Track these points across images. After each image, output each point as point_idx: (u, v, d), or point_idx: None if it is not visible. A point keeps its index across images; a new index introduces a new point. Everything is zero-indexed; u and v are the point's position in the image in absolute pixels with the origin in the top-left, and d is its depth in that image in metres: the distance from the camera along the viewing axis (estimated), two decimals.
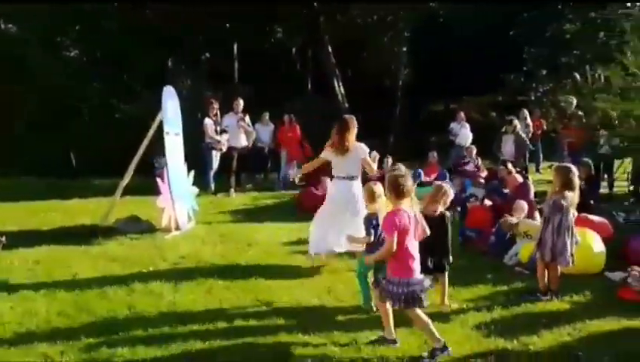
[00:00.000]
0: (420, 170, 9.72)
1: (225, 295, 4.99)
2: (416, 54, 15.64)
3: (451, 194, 4.96)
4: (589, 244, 5.84)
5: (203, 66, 14.89)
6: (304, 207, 8.74)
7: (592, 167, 8.21)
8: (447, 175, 9.62)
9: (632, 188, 9.31)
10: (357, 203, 5.34)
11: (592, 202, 7.85)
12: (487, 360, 3.87)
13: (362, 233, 4.43)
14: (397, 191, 3.69)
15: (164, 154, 7.09)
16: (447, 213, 4.86)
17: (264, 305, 4.76)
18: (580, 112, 10.19)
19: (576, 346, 4.09)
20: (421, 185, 8.60)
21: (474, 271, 5.77)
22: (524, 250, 5.95)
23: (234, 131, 9.75)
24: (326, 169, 6.23)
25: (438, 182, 5.54)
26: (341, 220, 5.41)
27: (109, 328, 4.18)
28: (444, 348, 3.76)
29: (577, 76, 12.37)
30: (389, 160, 10.30)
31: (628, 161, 10.10)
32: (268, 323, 4.41)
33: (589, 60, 14.61)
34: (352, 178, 5.51)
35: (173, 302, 4.78)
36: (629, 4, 13.90)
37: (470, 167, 9.95)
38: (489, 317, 4.61)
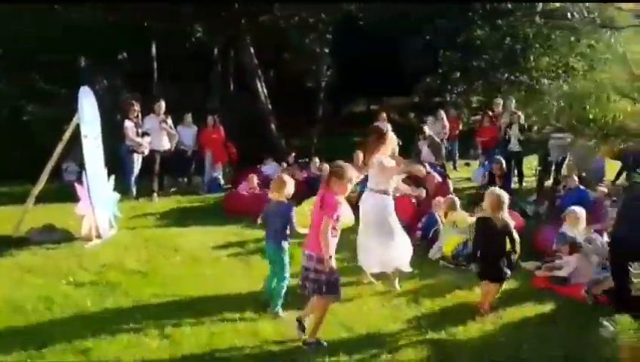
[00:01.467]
0: None
1: (153, 303, 4.83)
2: (337, 56, 15.88)
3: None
4: None
5: (120, 66, 14.23)
6: (230, 210, 8.64)
7: (504, 163, 8.77)
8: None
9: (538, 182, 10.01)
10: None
11: None
12: (419, 352, 4.04)
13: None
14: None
15: (75, 159, 6.69)
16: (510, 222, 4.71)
17: (195, 312, 4.66)
18: (490, 113, 10.82)
19: (499, 333, 4.37)
20: None
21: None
22: (447, 244, 6.25)
23: (156, 134, 9.41)
24: None
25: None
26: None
27: (30, 345, 3.91)
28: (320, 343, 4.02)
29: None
30: (316, 160, 10.42)
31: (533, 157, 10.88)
32: (200, 330, 4.32)
33: (498, 64, 15.62)
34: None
35: (99, 314, 4.55)
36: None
37: None
38: (418, 311, 4.82)
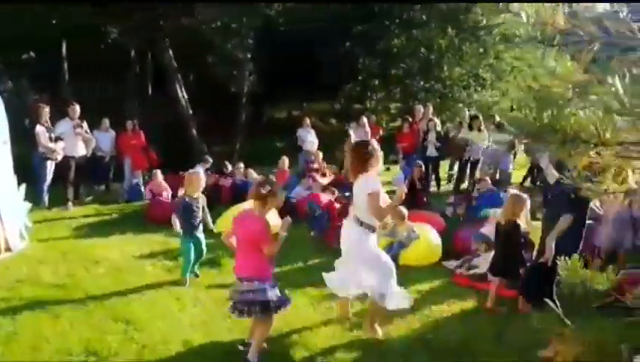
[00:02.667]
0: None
1: (76, 318, 4.57)
2: (259, 61, 15.88)
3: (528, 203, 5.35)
4: (427, 237, 6.55)
5: (26, 67, 13.29)
6: (153, 218, 8.35)
7: (423, 167, 9.18)
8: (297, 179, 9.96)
9: (454, 185, 10.57)
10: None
11: (424, 199, 8.80)
12: (351, 352, 4.14)
13: None
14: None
15: None
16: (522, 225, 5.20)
17: (123, 324, 4.47)
18: (410, 119, 11.27)
19: (427, 330, 4.57)
20: None
21: (333, 268, 6.05)
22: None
23: (70, 139, 8.88)
24: None
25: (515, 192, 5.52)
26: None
27: None
28: None
29: None
30: (241, 165, 10.33)
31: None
32: (128, 344, 4.16)
33: (414, 73, 16.34)
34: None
35: (15, 333, 4.24)
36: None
37: (318, 173, 10.40)
38: (349, 313, 4.92)
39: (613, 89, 0.91)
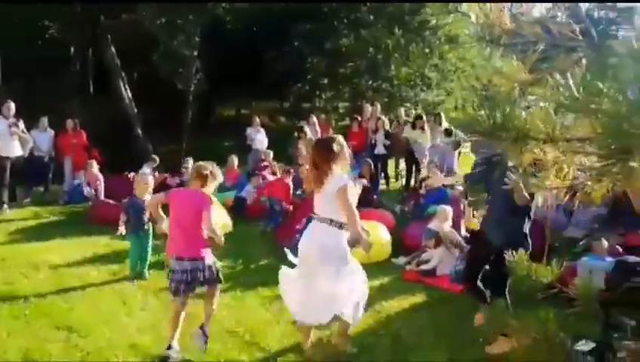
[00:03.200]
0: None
1: (14, 327, 4.34)
2: (206, 59, 15.61)
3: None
4: (378, 235, 6.62)
5: None
6: (96, 219, 8.05)
7: (372, 165, 9.30)
8: (246, 178, 9.87)
9: (403, 183, 10.77)
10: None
11: (374, 197, 8.91)
12: (305, 351, 4.13)
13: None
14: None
15: None
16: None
17: (65, 331, 4.29)
18: (359, 118, 11.39)
19: (379, 327, 4.64)
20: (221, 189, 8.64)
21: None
22: None
23: (5, 139, 8.41)
24: None
25: None
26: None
27: None
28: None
29: None
30: (189, 164, 10.12)
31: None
32: (72, 351, 4.00)
33: (362, 72, 16.54)
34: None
35: None
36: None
37: (268, 171, 10.34)
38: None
39: (560, 88, 0.95)
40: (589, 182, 1.60)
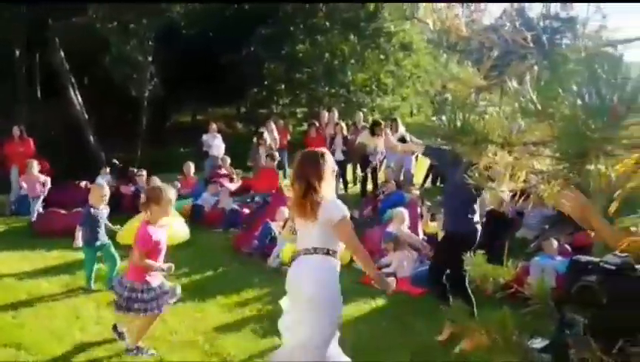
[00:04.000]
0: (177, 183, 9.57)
1: None
2: (161, 65, 15.33)
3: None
4: None
5: None
6: (44, 230, 7.74)
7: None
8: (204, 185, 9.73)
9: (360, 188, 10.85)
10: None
11: None
12: (267, 358, 4.10)
13: None
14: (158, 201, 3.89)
15: None
16: None
17: (14, 349, 4.09)
18: (317, 124, 11.42)
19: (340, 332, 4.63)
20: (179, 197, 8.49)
21: (243, 275, 5.99)
22: (285, 250, 6.44)
23: None
24: None
25: None
26: None
27: None
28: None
29: None
30: (144, 173, 9.89)
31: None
32: None
33: (319, 78, 16.64)
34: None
35: None
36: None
37: (225, 178, 10.23)
38: (262, 319, 4.88)
39: (516, 94, 0.98)
40: (542, 185, 1.66)
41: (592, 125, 0.79)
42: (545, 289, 1.99)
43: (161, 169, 11.96)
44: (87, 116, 14.74)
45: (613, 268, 1.56)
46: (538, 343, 3.15)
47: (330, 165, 3.04)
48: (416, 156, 10.99)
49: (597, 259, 1.66)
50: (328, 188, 3.02)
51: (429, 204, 8.56)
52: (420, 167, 11.17)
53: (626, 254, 1.58)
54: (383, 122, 10.70)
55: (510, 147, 1.12)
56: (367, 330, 4.64)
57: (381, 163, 10.45)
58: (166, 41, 15.15)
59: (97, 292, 5.41)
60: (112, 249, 5.60)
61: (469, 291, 4.12)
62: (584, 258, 1.72)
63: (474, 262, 1.81)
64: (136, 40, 13.97)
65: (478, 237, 4.15)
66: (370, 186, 10.48)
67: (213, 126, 11.89)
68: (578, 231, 6.37)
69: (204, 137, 11.66)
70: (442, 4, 1.32)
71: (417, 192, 8.40)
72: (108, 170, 10.34)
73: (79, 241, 5.58)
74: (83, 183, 9.94)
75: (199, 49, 15.98)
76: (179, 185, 9.38)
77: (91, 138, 14.47)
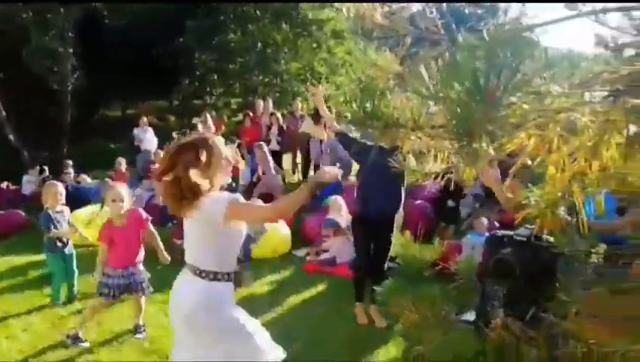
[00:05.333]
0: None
1: None
2: (85, 57, 14.61)
3: None
4: (276, 229, 6.67)
5: None
6: None
7: None
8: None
9: (301, 177, 10.87)
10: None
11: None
12: None
13: None
14: None
15: None
16: None
17: None
18: (251, 114, 11.30)
19: (281, 320, 4.67)
20: None
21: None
22: None
23: None
24: None
25: None
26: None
27: None
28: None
29: None
30: (70, 170, 9.46)
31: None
32: None
33: (252, 67, 16.45)
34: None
35: None
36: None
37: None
38: None
39: (422, 79, 1.02)
40: (461, 165, 1.75)
41: (473, 106, 0.84)
42: (471, 265, 2.10)
43: (91, 165, 11.49)
44: (4, 113, 13.87)
45: (524, 239, 1.67)
46: (467, 316, 3.32)
47: (217, 152, 2.48)
48: None
49: (511, 233, 1.77)
50: (215, 179, 2.46)
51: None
52: None
53: (533, 226, 1.68)
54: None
55: (419, 130, 1.17)
56: (307, 316, 4.69)
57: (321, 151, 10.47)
58: (91, 33, 14.46)
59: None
60: (75, 261, 5.17)
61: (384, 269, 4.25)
62: (500, 232, 1.82)
63: (401, 243, 1.87)
64: (55, 31, 13.23)
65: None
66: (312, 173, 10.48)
67: (144, 119, 11.53)
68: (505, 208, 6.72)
69: (135, 131, 11.28)
70: None
71: (354, 178, 8.50)
72: (38, 168, 9.82)
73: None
74: (4, 184, 9.39)
75: (127, 40, 15.37)
76: (110, 181, 9.02)
77: (10, 136, 13.63)
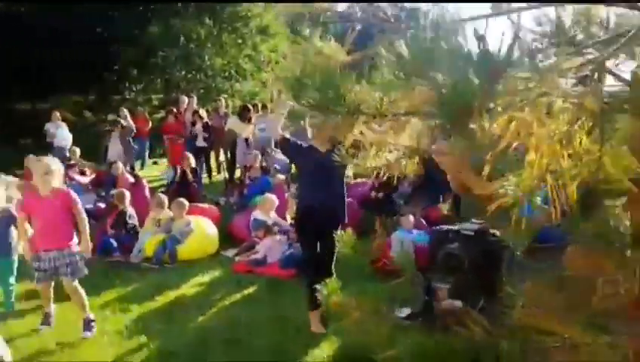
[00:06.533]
0: None
1: None
2: None
3: None
4: (203, 229, 6.48)
5: None
6: None
7: (192, 159, 8.99)
8: None
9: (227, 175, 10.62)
10: None
11: (197, 190, 8.65)
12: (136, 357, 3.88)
13: None
14: None
15: None
16: None
17: None
18: (175, 110, 10.92)
19: (210, 324, 4.53)
20: None
21: (102, 275, 5.53)
22: (148, 244, 6.10)
23: None
24: None
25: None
26: None
27: None
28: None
29: None
30: None
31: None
32: None
33: (174, 62, 15.92)
34: None
35: None
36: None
37: (74, 170, 9.32)
38: (127, 318, 4.59)
39: (388, 64, 1.00)
40: (403, 161, 1.75)
41: (475, 81, 0.82)
42: (409, 261, 2.11)
43: (7, 165, 10.60)
44: None
45: (471, 233, 1.70)
46: (403, 312, 3.35)
47: None
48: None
49: (456, 227, 1.80)
50: None
51: (293, 189, 8.68)
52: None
53: (482, 221, 1.72)
54: (251, 107, 10.49)
55: (381, 118, 1.14)
56: (240, 318, 4.57)
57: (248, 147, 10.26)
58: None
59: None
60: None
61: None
62: (445, 227, 1.85)
63: (344, 239, 1.85)
64: None
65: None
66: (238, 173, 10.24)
67: (57, 114, 10.82)
68: (431, 206, 6.93)
69: (47, 126, 10.55)
70: None
71: (283, 177, 8.45)
72: None
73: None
74: None
75: (41, 32, 14.32)
76: (21, 181, 8.36)
77: None
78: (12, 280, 4.71)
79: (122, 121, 9.64)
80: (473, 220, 1.74)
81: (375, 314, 1.96)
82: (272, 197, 6.75)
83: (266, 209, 6.57)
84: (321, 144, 4.04)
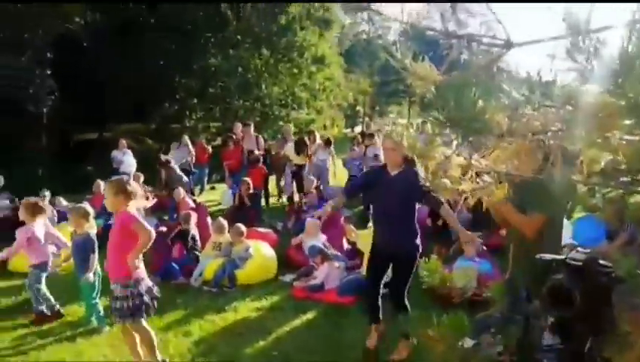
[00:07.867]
0: None
1: None
2: (63, 79, 14.31)
3: None
4: (262, 254, 6.50)
5: None
6: None
7: (251, 184, 9.13)
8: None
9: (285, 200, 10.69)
10: None
11: (255, 215, 8.75)
12: None
13: None
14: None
15: None
16: None
17: None
18: (234, 137, 11.16)
19: (271, 347, 4.49)
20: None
21: (165, 297, 5.61)
22: (208, 268, 6.18)
23: None
24: None
25: None
26: None
27: None
28: None
29: None
30: (47, 193, 9.14)
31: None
32: None
33: (233, 92, 16.40)
34: None
35: None
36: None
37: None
38: (189, 341, 4.62)
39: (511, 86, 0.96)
40: (492, 186, 1.67)
41: None
42: (500, 291, 1.99)
43: (69, 189, 11.15)
44: None
45: (579, 264, 1.58)
46: (469, 342, 3.14)
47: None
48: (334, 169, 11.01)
49: (560, 257, 1.68)
50: None
51: (348, 214, 8.63)
52: (339, 178, 11.25)
53: (589, 250, 1.61)
54: (308, 141, 10.46)
55: (510, 137, 1.10)
56: (297, 345, 4.51)
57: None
58: (66, 54, 14.20)
59: None
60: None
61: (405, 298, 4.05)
62: (547, 256, 1.73)
63: (429, 268, 1.78)
64: (32, 51, 12.98)
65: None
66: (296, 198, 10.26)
67: (123, 142, 11.31)
68: (491, 233, 6.67)
69: (114, 153, 11.04)
70: None
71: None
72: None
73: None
74: None
75: (103, 63, 15.14)
76: (88, 204, 8.72)
77: None
78: (94, 295, 4.94)
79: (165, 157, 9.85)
80: (579, 249, 1.62)
81: (460, 348, 1.86)
82: (314, 221, 6.63)
83: (311, 234, 6.54)
84: (393, 166, 3.95)
